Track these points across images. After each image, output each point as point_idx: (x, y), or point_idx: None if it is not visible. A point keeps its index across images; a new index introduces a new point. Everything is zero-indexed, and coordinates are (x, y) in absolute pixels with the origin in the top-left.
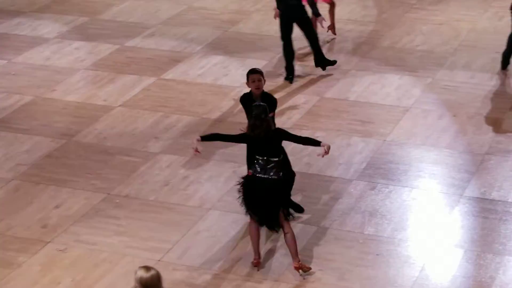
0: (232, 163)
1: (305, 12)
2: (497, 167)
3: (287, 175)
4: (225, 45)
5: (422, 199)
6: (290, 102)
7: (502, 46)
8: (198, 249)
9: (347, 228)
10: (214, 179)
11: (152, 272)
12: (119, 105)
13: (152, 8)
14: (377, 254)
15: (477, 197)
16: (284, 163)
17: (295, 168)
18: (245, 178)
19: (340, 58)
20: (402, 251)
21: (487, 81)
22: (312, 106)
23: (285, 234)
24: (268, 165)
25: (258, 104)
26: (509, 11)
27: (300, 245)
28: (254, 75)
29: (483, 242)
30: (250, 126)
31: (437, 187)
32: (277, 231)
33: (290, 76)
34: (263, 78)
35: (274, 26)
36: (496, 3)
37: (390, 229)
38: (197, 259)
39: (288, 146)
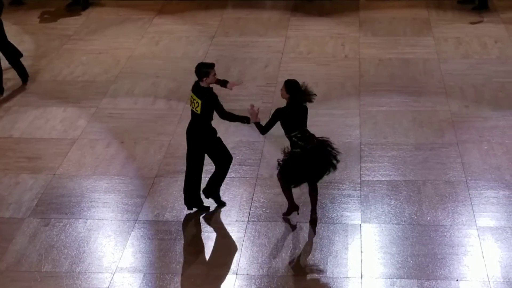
0: None
1: None
2: (168, 188)
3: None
4: None
5: (97, 229)
6: None
7: (161, 70)
8: None
9: (24, 268)
10: None
11: None
12: None
13: None
14: None
15: (151, 220)
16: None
17: None
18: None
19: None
20: (82, 284)
21: (150, 105)
22: None
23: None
24: None
25: None
26: (164, 35)
27: None
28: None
29: (161, 264)
30: None
31: (111, 215)
32: None
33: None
34: None
35: None
36: (151, 29)
37: (68, 263)
38: None
39: None
